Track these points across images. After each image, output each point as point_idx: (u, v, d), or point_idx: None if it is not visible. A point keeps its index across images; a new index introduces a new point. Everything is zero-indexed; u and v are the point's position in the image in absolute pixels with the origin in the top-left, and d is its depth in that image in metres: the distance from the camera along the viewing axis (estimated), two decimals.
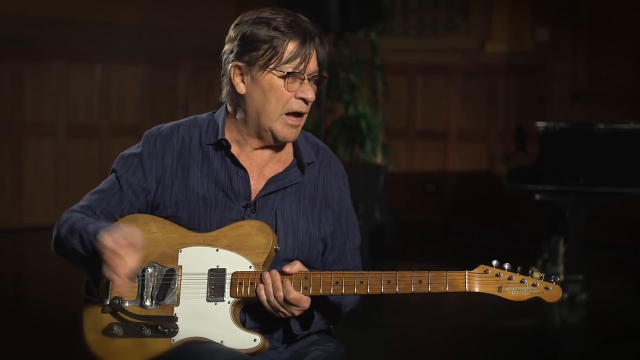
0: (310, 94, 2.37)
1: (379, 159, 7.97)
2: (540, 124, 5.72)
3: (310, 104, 2.40)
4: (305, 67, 2.36)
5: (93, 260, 2.31)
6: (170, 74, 8.92)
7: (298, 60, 2.35)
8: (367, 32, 7.77)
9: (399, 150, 8.80)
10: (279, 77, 2.35)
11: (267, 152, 2.46)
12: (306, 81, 2.37)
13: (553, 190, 5.70)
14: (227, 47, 2.42)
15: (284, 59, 2.35)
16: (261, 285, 2.30)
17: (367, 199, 7.07)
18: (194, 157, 2.44)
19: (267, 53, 2.35)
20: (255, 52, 2.36)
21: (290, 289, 2.28)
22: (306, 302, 2.31)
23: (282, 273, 2.31)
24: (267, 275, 2.30)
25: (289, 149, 2.50)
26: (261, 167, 2.45)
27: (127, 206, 2.44)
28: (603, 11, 8.31)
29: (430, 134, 9.09)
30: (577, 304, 5.73)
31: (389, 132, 8.51)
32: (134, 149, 2.48)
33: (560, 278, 6.02)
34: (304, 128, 2.47)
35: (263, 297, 2.30)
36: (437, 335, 5.31)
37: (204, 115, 2.53)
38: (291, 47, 2.35)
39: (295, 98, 2.37)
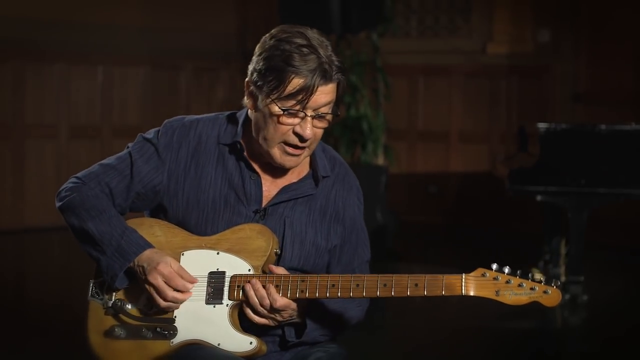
0: (307, 131, 2.30)
1: (380, 160, 7.98)
2: (542, 125, 5.72)
3: (310, 139, 2.32)
4: (306, 104, 2.28)
5: (99, 247, 2.36)
6: (171, 75, 8.93)
7: (299, 97, 2.27)
8: (368, 33, 7.78)
9: (401, 151, 8.80)
10: (278, 109, 2.29)
11: None
12: (308, 118, 2.30)
13: (554, 192, 5.70)
14: (253, 57, 2.36)
15: (285, 93, 2.27)
16: (245, 301, 2.30)
17: (369, 200, 7.03)
18: (209, 155, 2.42)
19: (272, 84, 2.28)
20: (263, 78, 2.30)
21: (276, 297, 2.28)
22: (293, 305, 2.31)
23: (267, 274, 2.31)
24: (247, 286, 2.30)
25: (305, 160, 2.45)
26: (274, 174, 2.43)
27: (132, 196, 2.42)
28: (604, 12, 8.31)
29: (431, 135, 9.09)
30: (578, 305, 5.73)
31: (390, 134, 8.51)
32: (153, 135, 2.46)
33: (562, 279, 6.01)
34: None
35: (249, 313, 2.31)
36: (438, 336, 5.31)
37: (227, 113, 2.50)
38: (295, 83, 2.26)
39: (293, 132, 2.31)
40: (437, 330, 5.45)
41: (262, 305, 2.29)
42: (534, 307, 6.38)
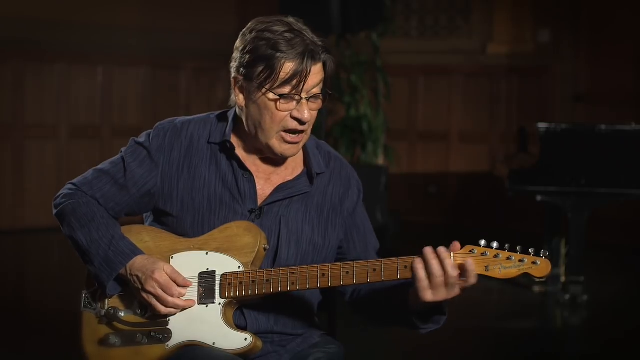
0: (305, 114, 2.30)
1: (380, 161, 7.98)
2: (542, 125, 5.72)
3: (308, 122, 2.33)
4: (302, 88, 2.29)
5: (91, 256, 2.36)
6: (171, 75, 8.94)
7: (294, 82, 2.28)
8: (368, 33, 7.78)
9: (401, 151, 8.79)
10: (274, 96, 2.29)
11: (273, 160, 2.42)
12: (303, 101, 2.30)
13: (554, 192, 5.70)
14: (233, 54, 2.36)
15: (279, 80, 2.28)
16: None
17: (369, 201, 7.04)
18: (201, 155, 2.42)
19: (263, 73, 2.28)
20: (252, 70, 2.30)
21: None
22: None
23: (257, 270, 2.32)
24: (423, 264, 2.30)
25: (299, 157, 2.46)
26: (268, 172, 2.43)
27: (127, 200, 2.42)
28: (604, 13, 8.31)
29: (431, 136, 9.09)
30: (578, 305, 5.73)
31: (390, 134, 8.51)
32: (144, 139, 2.45)
33: (562, 279, 6.01)
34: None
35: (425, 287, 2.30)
36: (438, 336, 5.27)
37: (218, 112, 2.49)
38: (287, 68, 2.27)
39: (291, 117, 2.31)
40: (437, 330, 5.44)
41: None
42: (534, 307, 6.35)
